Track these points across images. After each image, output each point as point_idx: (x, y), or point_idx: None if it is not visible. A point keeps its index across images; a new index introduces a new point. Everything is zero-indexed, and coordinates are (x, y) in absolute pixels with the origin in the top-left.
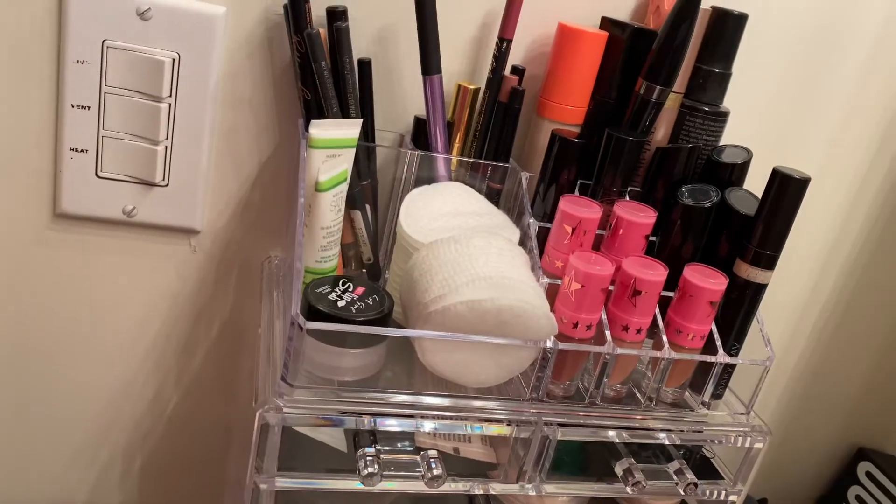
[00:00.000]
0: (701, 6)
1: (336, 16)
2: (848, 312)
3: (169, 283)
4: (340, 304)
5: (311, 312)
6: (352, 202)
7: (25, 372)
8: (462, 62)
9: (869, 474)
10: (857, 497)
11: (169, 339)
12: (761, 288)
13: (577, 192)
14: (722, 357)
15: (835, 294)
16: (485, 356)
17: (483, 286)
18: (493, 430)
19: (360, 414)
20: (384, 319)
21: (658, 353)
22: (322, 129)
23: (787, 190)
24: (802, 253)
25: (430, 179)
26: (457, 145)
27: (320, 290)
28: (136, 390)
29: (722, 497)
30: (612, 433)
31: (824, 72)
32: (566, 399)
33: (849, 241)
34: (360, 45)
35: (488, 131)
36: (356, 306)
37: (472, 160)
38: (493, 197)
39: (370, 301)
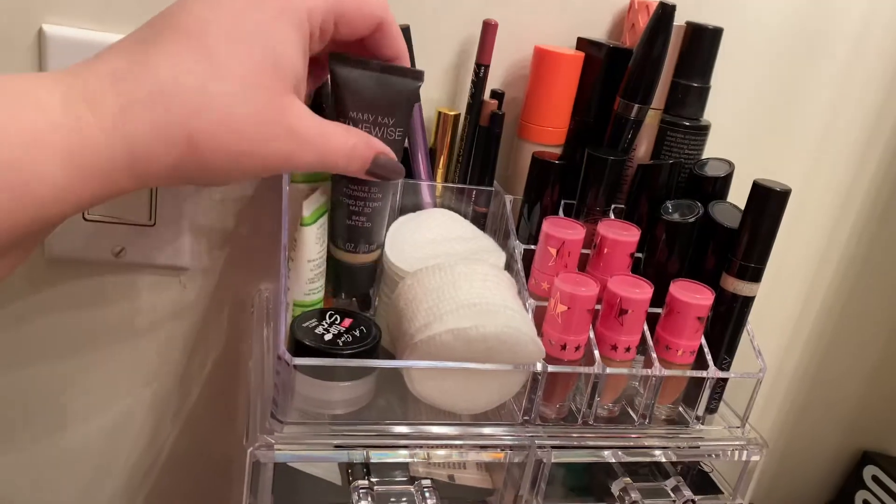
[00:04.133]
0: (675, 22)
1: None
2: (844, 317)
3: (160, 321)
4: (327, 337)
5: (298, 347)
6: None
7: (25, 414)
8: (442, 89)
9: (875, 478)
10: (865, 502)
11: (164, 376)
12: (749, 300)
13: (561, 213)
14: (713, 372)
15: (829, 299)
16: (474, 383)
17: (468, 314)
18: (486, 457)
19: (353, 447)
20: (371, 351)
21: (648, 372)
22: None
23: (768, 202)
24: (795, 260)
25: (416, 207)
26: (440, 171)
27: (307, 323)
28: (135, 429)
29: None
30: (606, 453)
31: (804, 80)
32: (559, 421)
33: (840, 246)
34: None
35: (471, 156)
36: (343, 339)
37: (456, 185)
38: (480, 221)
39: (357, 333)
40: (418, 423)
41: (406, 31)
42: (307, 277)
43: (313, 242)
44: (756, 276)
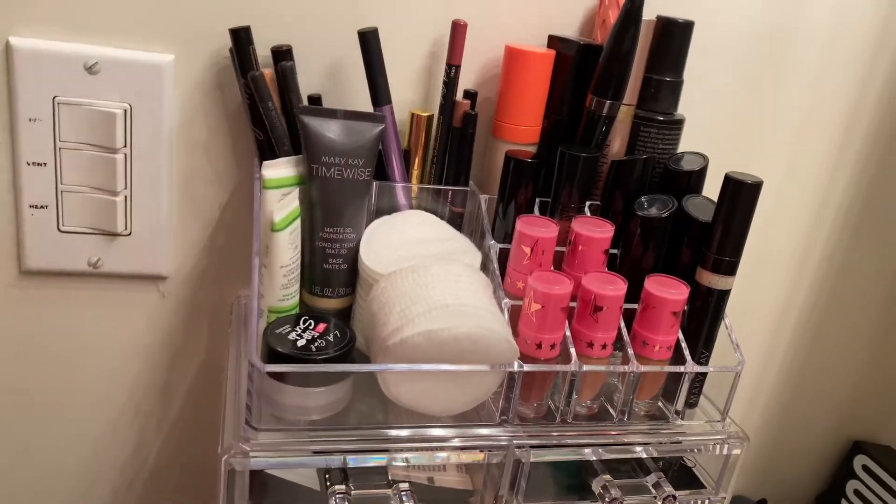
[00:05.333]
0: (646, 17)
1: (281, 55)
2: (830, 308)
3: (141, 330)
4: (300, 343)
5: (271, 354)
6: None
7: (7, 428)
8: (414, 91)
9: (865, 468)
10: (856, 491)
11: (147, 385)
12: (724, 294)
13: (536, 211)
14: (691, 366)
15: (814, 290)
16: (449, 384)
17: (440, 315)
18: (465, 458)
19: (330, 453)
20: (345, 356)
21: (625, 368)
22: (274, 169)
23: (740, 195)
24: (778, 251)
25: (391, 209)
26: (416, 172)
27: (280, 330)
28: (119, 439)
29: None
30: (587, 451)
31: (779, 69)
32: (538, 419)
33: (824, 235)
34: (311, 81)
35: (445, 156)
36: (317, 344)
37: (431, 186)
38: (456, 221)
39: (331, 337)
40: (396, 426)
41: (374, 33)
42: (281, 283)
43: (286, 248)
44: (731, 270)
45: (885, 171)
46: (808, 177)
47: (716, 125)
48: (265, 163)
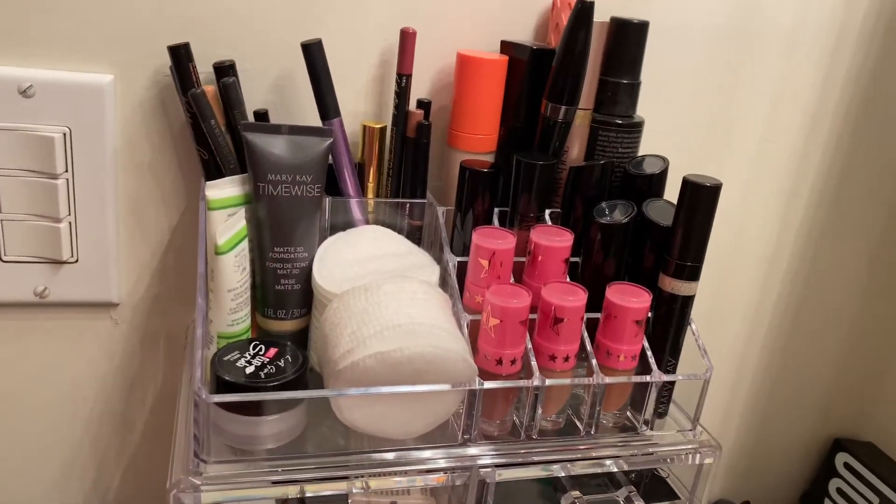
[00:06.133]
0: (600, 18)
1: (223, 71)
2: (803, 305)
3: (95, 360)
4: (249, 370)
5: (219, 383)
6: None
7: None
8: (366, 102)
9: (847, 465)
10: (839, 490)
11: (103, 416)
12: (689, 300)
13: (495, 221)
14: (657, 376)
15: (786, 290)
16: (407, 406)
17: (392, 336)
18: (429, 480)
19: (287, 482)
20: (297, 381)
21: (589, 380)
22: (218, 190)
23: (699, 198)
24: (749, 250)
25: (347, 224)
26: (371, 186)
27: (228, 357)
28: (76, 472)
29: None
30: (556, 467)
31: (739, 66)
32: (503, 437)
33: (793, 233)
34: (256, 96)
35: (401, 168)
36: (266, 370)
37: (387, 200)
38: (415, 234)
39: (282, 363)
40: (355, 451)
41: (318, 45)
42: (229, 307)
43: (232, 271)
44: (694, 275)
45: (851, 166)
46: (773, 175)
47: (677, 126)
48: (208, 183)
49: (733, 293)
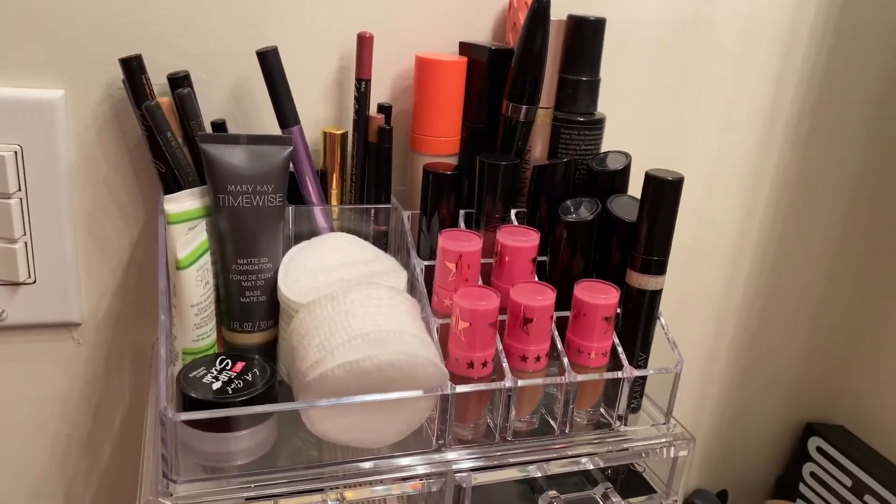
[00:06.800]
0: (557, 17)
1: (177, 82)
2: (770, 296)
3: (58, 382)
4: (216, 385)
5: (185, 400)
6: None
7: None
8: (326, 108)
9: (819, 449)
10: (812, 474)
11: (70, 438)
12: (656, 294)
13: (462, 224)
14: (628, 371)
15: (753, 276)
16: (379, 415)
17: (359, 344)
18: (395, 491)
19: (258, 498)
20: (265, 394)
21: (561, 379)
22: (177, 203)
23: (662, 194)
24: (714, 241)
25: (312, 233)
26: (334, 193)
27: (194, 373)
28: (45, 497)
29: None
30: (532, 467)
31: (697, 59)
32: (478, 440)
33: (758, 222)
34: (215, 106)
35: (364, 174)
36: (234, 385)
37: (351, 206)
38: (381, 240)
39: (249, 377)
40: (329, 463)
41: (273, 53)
42: (193, 323)
43: (194, 286)
44: (660, 269)
45: (811, 155)
46: (735, 166)
47: (638, 122)
48: (166, 197)
49: (700, 285)
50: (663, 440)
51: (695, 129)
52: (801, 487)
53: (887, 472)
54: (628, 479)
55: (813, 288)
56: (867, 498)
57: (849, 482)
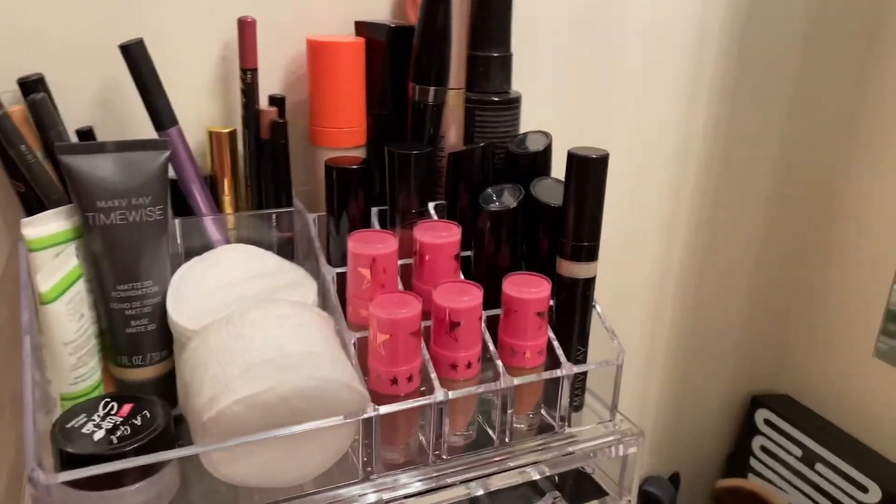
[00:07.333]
0: None
1: (30, 87)
2: (704, 272)
3: None
4: (98, 435)
5: (62, 457)
6: None
7: None
8: (210, 104)
9: (767, 421)
10: (762, 447)
11: None
12: (590, 282)
13: (375, 223)
14: (568, 368)
15: (688, 253)
16: (293, 450)
17: (260, 373)
18: None
19: None
20: (159, 439)
21: (495, 386)
22: (38, 227)
23: (588, 173)
24: (645, 220)
25: (205, 247)
26: (227, 199)
27: (72, 423)
28: None
29: None
30: (473, 484)
31: (613, 27)
32: (410, 462)
33: (687, 198)
34: (79, 112)
35: (259, 175)
36: (119, 432)
37: (248, 213)
38: (286, 248)
39: (138, 420)
40: None
41: (138, 46)
42: (69, 364)
43: (65, 321)
44: (592, 255)
45: (736, 126)
46: (661, 139)
47: (555, 98)
48: (24, 220)
49: (634, 267)
50: (611, 438)
51: (613, 103)
52: (753, 462)
53: (835, 439)
54: (578, 483)
55: (745, 262)
56: (818, 467)
57: (799, 452)
